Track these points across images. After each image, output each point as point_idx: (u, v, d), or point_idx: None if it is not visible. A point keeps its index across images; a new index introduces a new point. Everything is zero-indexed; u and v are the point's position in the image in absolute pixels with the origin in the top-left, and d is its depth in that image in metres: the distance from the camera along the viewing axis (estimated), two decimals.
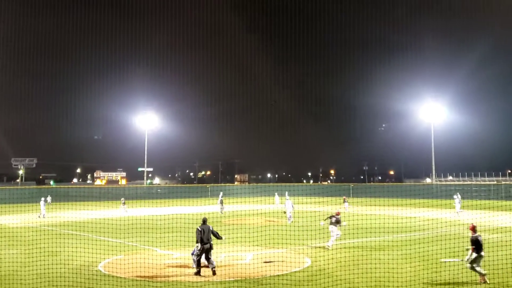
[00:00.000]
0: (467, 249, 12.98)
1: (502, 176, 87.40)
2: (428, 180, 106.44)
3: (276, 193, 54.55)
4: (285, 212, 30.61)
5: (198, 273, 13.77)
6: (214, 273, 13.61)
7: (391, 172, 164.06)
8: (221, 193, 43.48)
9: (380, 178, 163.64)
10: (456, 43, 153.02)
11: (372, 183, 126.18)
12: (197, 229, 14.03)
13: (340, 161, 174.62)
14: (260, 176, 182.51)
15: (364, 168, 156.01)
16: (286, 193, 31.72)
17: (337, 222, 18.41)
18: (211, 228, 14.14)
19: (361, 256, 15.95)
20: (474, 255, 12.60)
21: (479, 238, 12.74)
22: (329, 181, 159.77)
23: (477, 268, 12.61)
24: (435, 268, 13.99)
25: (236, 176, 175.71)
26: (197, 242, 13.91)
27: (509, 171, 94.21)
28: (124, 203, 41.53)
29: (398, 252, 17.04)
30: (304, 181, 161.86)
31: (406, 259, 15.73)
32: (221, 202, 40.34)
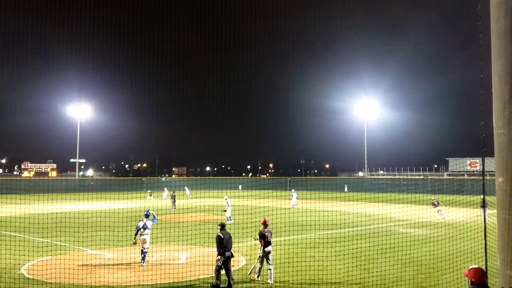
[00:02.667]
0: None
1: (429, 171, 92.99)
2: (360, 174, 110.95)
3: (186, 187, 56.55)
4: (225, 211, 29.22)
5: (216, 286, 12.04)
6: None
7: (327, 166, 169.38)
8: (169, 189, 42.86)
9: (316, 171, 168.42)
10: (386, 41, 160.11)
11: (308, 177, 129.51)
12: (218, 236, 12.36)
13: (278, 155, 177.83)
14: (198, 169, 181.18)
15: (301, 162, 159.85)
16: (226, 196, 28.05)
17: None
18: (230, 235, 12.66)
19: (295, 254, 16.21)
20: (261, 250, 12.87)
21: (267, 233, 13.02)
22: (267, 174, 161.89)
23: (258, 264, 12.92)
24: (366, 266, 14.52)
25: (173, 169, 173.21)
26: (218, 251, 12.20)
27: (435, 166, 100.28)
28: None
29: (332, 249, 17.49)
30: (243, 174, 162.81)
31: (339, 256, 16.19)
32: (173, 197, 39.64)
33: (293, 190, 43.14)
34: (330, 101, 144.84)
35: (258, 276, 13.01)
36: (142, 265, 15.00)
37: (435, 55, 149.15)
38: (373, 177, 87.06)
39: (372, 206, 32.69)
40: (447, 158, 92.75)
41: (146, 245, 15.33)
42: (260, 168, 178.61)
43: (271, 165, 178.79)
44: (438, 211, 29.42)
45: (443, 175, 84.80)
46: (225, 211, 29.14)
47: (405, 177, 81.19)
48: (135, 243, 15.53)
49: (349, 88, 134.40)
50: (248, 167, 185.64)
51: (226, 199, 29.21)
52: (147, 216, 15.89)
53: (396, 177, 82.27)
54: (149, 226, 15.61)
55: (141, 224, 15.50)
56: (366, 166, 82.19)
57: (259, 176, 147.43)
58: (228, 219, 27.60)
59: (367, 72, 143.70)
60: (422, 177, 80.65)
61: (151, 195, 53.70)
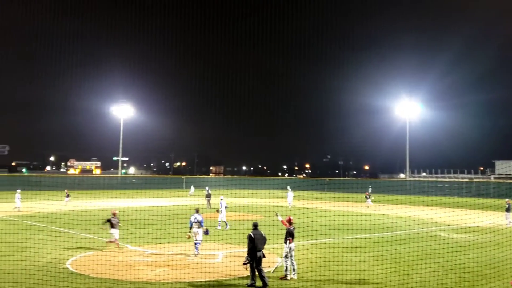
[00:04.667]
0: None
1: (474, 173, 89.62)
2: (402, 176, 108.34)
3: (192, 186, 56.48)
4: (217, 211, 25.37)
5: (252, 285, 12.18)
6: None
7: (366, 167, 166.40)
8: (207, 187, 43.15)
9: (355, 172, 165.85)
10: (430, 41, 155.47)
11: (347, 178, 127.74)
12: (249, 235, 12.49)
13: (315, 155, 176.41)
14: (235, 168, 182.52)
15: (340, 162, 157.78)
16: (222, 197, 24.51)
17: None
18: (263, 234, 12.79)
19: (332, 257, 16.03)
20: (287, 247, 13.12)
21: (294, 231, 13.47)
22: (304, 175, 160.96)
23: (285, 263, 13.10)
24: (406, 271, 14.16)
25: (211, 168, 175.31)
26: (248, 250, 12.42)
27: (481, 169, 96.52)
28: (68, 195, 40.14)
29: (370, 252, 17.18)
30: (280, 174, 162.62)
31: (377, 260, 15.87)
32: (208, 196, 39.97)
33: (289, 188, 42.61)
34: (370, 100, 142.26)
35: (287, 275, 13.01)
36: (196, 254, 16.36)
37: (483, 55, 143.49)
38: (415, 179, 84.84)
39: (414, 209, 31.86)
40: (493, 160, 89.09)
41: (199, 237, 16.62)
42: (296, 168, 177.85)
43: (307, 166, 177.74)
44: (506, 215, 27.62)
45: (489, 178, 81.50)
46: (217, 211, 25.39)
47: (448, 179, 78.63)
48: (189, 237, 16.70)
49: (390, 87, 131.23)
50: (284, 167, 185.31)
51: (221, 199, 25.43)
52: (197, 211, 17.22)
53: (439, 179, 79.78)
54: (199, 219, 16.85)
55: (193, 218, 16.78)
56: (408, 167, 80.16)
57: (296, 176, 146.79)
58: (218, 224, 24.39)
59: (410, 71, 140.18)
60: (466, 180, 77.81)
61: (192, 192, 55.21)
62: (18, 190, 34.43)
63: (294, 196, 42.50)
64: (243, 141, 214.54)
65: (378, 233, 22.90)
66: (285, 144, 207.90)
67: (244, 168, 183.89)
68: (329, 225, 21.70)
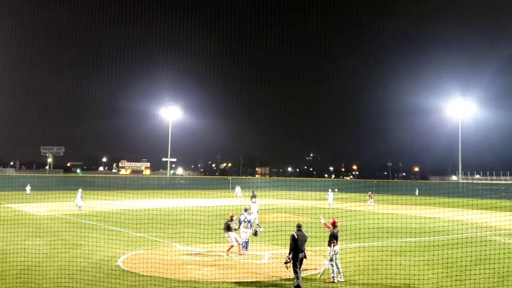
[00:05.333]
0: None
1: None
2: (454, 178, 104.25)
3: (237, 186, 55.86)
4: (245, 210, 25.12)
5: (298, 287, 12.13)
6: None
7: (416, 169, 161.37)
8: (253, 190, 43.43)
9: (404, 174, 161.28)
10: (487, 38, 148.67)
11: (396, 180, 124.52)
12: (292, 235, 12.45)
13: (363, 157, 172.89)
14: (281, 170, 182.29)
15: (388, 164, 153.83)
16: (237, 188, 23.34)
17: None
18: (306, 235, 12.84)
19: (381, 261, 15.67)
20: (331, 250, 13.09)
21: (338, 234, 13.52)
22: (351, 177, 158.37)
23: (331, 266, 13.00)
24: (459, 276, 13.62)
25: (257, 169, 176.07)
26: (290, 250, 12.44)
27: None
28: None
29: (420, 257, 16.65)
30: (326, 176, 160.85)
31: (428, 265, 15.37)
32: (254, 197, 40.16)
33: (330, 190, 43.71)
34: (420, 100, 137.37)
35: (334, 278, 12.88)
36: (244, 252, 16.98)
37: None
38: (468, 181, 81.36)
39: (466, 213, 30.58)
40: None
41: (246, 236, 17.30)
42: (343, 169, 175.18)
43: (354, 167, 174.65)
44: None
45: None
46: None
47: (505, 182, 74.85)
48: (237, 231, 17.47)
49: (442, 87, 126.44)
50: (331, 168, 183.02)
51: (253, 202, 24.48)
52: (245, 210, 18.32)
53: (495, 181, 76.10)
54: (248, 219, 17.65)
55: (242, 217, 17.63)
56: (460, 169, 77.02)
57: (342, 178, 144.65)
58: (259, 226, 22.95)
59: (464, 70, 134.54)
60: None
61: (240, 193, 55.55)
62: (80, 190, 35.93)
63: (342, 198, 42.01)
64: (289, 142, 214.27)
65: (429, 236, 22.17)
66: (331, 145, 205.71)
67: (289, 169, 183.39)
68: (377, 228, 21.24)
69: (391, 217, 27.11)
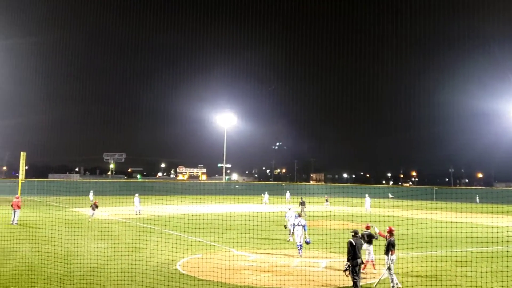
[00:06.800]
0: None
1: None
2: None
3: (266, 192, 54.74)
4: (285, 227, 22.69)
5: None
6: None
7: (480, 175, 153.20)
8: (301, 197, 43.28)
9: (467, 181, 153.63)
10: None
11: (458, 187, 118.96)
12: (349, 242, 12.26)
13: (423, 162, 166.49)
14: (336, 176, 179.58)
15: (450, 170, 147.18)
16: (287, 194, 23.21)
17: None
18: (363, 242, 12.68)
19: (444, 271, 14.96)
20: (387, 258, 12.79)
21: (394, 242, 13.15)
22: (410, 183, 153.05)
23: (390, 276, 12.66)
24: None
25: (311, 175, 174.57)
26: (348, 257, 12.22)
27: None
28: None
29: (487, 267, 15.73)
30: (384, 182, 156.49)
31: (496, 276, 14.48)
32: (303, 204, 39.89)
33: (367, 195, 44.71)
34: (483, 103, 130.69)
35: (394, 287, 12.53)
36: (299, 255, 17.66)
37: None
38: None
39: None
40: None
41: (301, 240, 17.87)
42: (402, 176, 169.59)
43: (414, 173, 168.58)
44: None
45: None
46: (285, 226, 22.71)
47: None
48: (292, 236, 18.97)
49: (505, 89, 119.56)
50: (389, 174, 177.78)
51: (289, 209, 23.45)
52: (299, 215, 19.24)
53: None
54: (302, 223, 18.19)
55: (296, 221, 18.41)
56: None
57: (401, 184, 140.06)
58: (290, 234, 21.76)
59: None
60: None
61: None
62: (137, 194, 37.30)
63: (403, 206, 40.74)
64: (344, 148, 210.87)
65: (497, 246, 20.93)
66: (389, 151, 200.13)
67: (345, 175, 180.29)
68: (440, 237, 20.33)
69: (454, 225, 25.87)
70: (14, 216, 27.43)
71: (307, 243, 18.24)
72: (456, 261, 17.17)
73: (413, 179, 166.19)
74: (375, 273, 14.74)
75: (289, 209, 23.70)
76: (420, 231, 19.79)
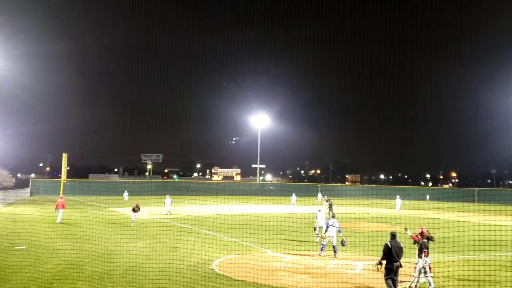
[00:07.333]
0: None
1: None
2: None
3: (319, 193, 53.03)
4: (314, 229, 22.55)
5: None
6: None
7: None
8: (329, 198, 42.73)
9: (511, 182, 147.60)
10: None
11: (501, 188, 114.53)
12: (386, 244, 12.16)
13: (463, 163, 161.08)
14: (373, 177, 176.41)
15: (492, 171, 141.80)
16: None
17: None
18: (401, 245, 12.29)
19: (487, 275, 14.40)
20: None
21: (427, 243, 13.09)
22: (450, 185, 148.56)
23: (425, 278, 12.58)
24: None
25: (347, 176, 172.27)
26: (382, 258, 12.24)
27: None
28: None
29: None
30: (422, 184, 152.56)
31: None
32: (330, 206, 39.28)
33: (398, 197, 43.98)
34: None
35: None
36: (320, 254, 17.98)
37: None
38: None
39: None
40: None
41: (332, 239, 18.01)
42: (441, 177, 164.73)
43: (454, 174, 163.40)
44: None
45: None
46: (315, 229, 22.60)
47: None
48: (323, 238, 18.67)
49: None
50: (428, 175, 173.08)
51: (319, 210, 23.04)
52: (333, 217, 19.16)
53: None
54: (336, 225, 18.14)
55: (330, 222, 18.37)
56: None
57: (441, 186, 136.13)
58: (317, 235, 21.76)
59: None
60: None
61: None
62: (168, 196, 37.83)
63: (443, 208, 39.71)
64: (381, 148, 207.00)
65: None
66: (428, 151, 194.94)
67: (382, 176, 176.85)
68: (482, 240, 19.60)
69: (498, 228, 24.92)
70: (60, 216, 28.44)
71: (343, 244, 18.08)
72: (500, 266, 16.50)
73: (453, 181, 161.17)
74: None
75: (319, 210, 23.33)
76: (462, 233, 19.11)
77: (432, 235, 14.42)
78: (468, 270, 15.51)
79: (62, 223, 27.69)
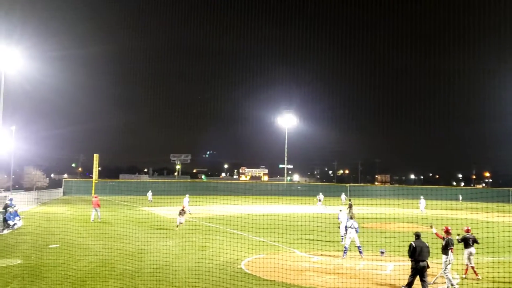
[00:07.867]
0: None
1: None
2: None
3: (422, 197, 51.32)
4: (339, 227, 22.21)
5: None
6: None
7: None
8: (350, 199, 42.40)
9: None
10: None
11: None
12: (410, 244, 12.26)
13: (497, 162, 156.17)
14: (403, 177, 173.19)
15: None
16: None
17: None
18: (427, 245, 12.27)
19: None
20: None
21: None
22: (484, 185, 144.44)
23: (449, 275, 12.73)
24: None
25: (376, 176, 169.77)
26: (410, 260, 12.25)
27: None
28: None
29: None
30: (454, 184, 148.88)
31: None
32: (350, 206, 38.70)
33: (422, 197, 44.37)
34: None
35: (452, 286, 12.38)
36: (343, 257, 17.52)
37: None
38: None
39: None
40: None
41: (355, 240, 17.91)
42: (474, 177, 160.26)
43: (487, 174, 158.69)
44: None
45: None
46: (338, 227, 22.41)
47: None
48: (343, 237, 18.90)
49: None
50: (460, 175, 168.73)
51: (340, 210, 23.11)
52: (351, 218, 18.81)
53: None
54: (355, 226, 17.94)
55: (349, 223, 18.13)
56: None
57: (473, 186, 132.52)
58: (342, 237, 20.78)
59: None
60: None
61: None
62: (187, 195, 38.14)
63: (477, 208, 38.74)
64: (411, 148, 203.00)
65: None
66: (460, 150, 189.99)
67: (412, 176, 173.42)
68: None
69: None
70: (93, 214, 29.20)
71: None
72: None
73: (486, 181, 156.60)
74: (478, 279, 14.21)
75: (341, 210, 23.56)
76: (497, 234, 18.53)
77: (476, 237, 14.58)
78: (504, 272, 15.04)
79: (101, 221, 28.45)
